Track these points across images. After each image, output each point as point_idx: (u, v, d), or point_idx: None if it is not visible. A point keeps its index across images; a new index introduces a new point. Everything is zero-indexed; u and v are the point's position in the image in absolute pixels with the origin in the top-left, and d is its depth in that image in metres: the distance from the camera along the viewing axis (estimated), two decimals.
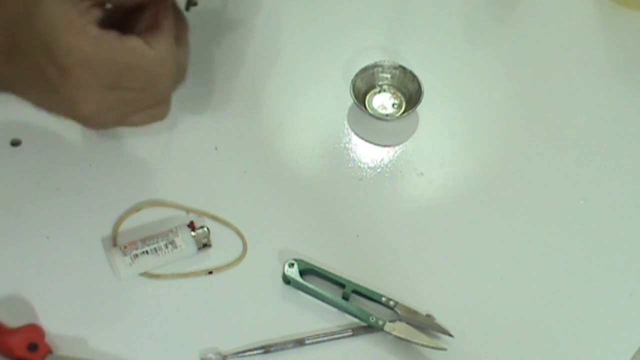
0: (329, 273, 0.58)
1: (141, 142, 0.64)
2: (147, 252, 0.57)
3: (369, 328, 0.57)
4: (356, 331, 0.57)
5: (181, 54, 0.54)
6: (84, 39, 0.47)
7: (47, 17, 0.47)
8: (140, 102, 0.52)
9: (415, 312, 0.57)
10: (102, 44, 0.48)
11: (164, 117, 0.55)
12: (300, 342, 0.56)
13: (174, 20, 0.53)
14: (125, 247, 0.57)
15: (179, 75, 0.54)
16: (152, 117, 0.55)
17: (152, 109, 0.54)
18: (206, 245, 0.59)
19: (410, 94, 0.67)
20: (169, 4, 0.53)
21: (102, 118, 0.51)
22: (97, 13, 0.49)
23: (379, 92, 0.68)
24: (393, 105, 0.68)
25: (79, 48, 0.47)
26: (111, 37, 0.49)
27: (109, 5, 0.51)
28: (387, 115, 0.67)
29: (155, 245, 0.57)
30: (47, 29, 0.47)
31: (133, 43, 0.49)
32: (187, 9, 0.57)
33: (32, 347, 0.53)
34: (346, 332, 0.57)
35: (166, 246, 0.58)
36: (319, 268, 0.58)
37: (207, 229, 0.59)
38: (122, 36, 0.49)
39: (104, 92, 0.49)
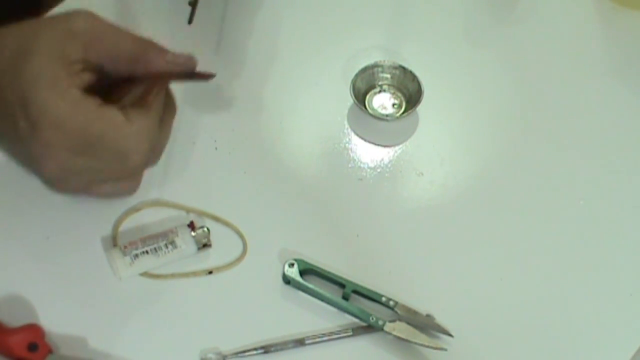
0: (329, 273, 0.58)
1: None
2: (147, 252, 0.57)
3: (369, 328, 0.57)
4: (356, 331, 0.57)
5: (161, 137, 0.53)
6: (62, 100, 0.46)
7: (34, 70, 0.46)
8: (107, 175, 0.51)
9: (415, 312, 0.57)
10: (79, 109, 0.47)
11: (131, 193, 0.55)
12: (300, 342, 0.56)
13: (164, 102, 0.53)
14: (125, 247, 0.57)
15: (152, 157, 0.53)
16: (119, 192, 0.54)
17: (119, 183, 0.53)
18: (206, 245, 0.59)
19: (410, 94, 0.67)
20: (165, 86, 0.52)
21: (65, 182, 0.51)
22: (87, 77, 0.48)
23: (379, 92, 0.68)
24: (393, 105, 0.68)
25: (54, 108, 0.46)
26: (91, 104, 0.48)
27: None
28: (387, 115, 0.67)
29: (155, 245, 0.57)
30: (30, 82, 0.46)
31: (111, 114, 0.48)
32: (190, 22, 0.56)
33: (32, 347, 0.53)
34: (346, 332, 0.57)
35: (166, 246, 0.58)
36: (319, 268, 0.58)
37: (207, 229, 0.59)
38: (102, 105, 0.48)
39: (71, 156, 0.48)
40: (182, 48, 0.54)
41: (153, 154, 0.53)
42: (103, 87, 0.50)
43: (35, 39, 0.47)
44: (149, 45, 0.51)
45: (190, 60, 0.53)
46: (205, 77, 0.54)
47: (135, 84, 0.52)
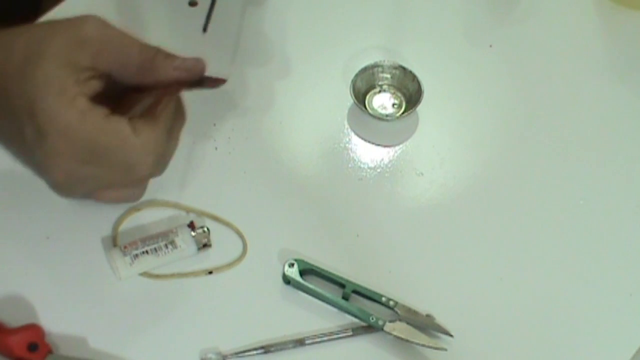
0: (329, 273, 0.58)
1: None
2: (147, 252, 0.57)
3: (369, 328, 0.57)
4: (356, 331, 0.57)
5: (168, 147, 0.53)
6: (70, 109, 0.46)
7: (42, 76, 0.46)
8: (112, 183, 0.51)
9: (415, 312, 0.57)
10: (86, 119, 0.47)
11: (136, 199, 0.55)
12: (300, 342, 0.56)
13: (173, 112, 0.52)
14: (125, 247, 0.57)
15: (158, 167, 0.53)
16: (123, 198, 0.54)
17: (124, 190, 0.53)
18: (206, 245, 0.59)
19: (410, 94, 0.67)
20: (174, 95, 0.52)
21: (70, 188, 0.51)
22: (95, 85, 0.48)
23: (379, 92, 0.68)
24: (393, 105, 0.68)
25: (61, 117, 0.46)
26: (98, 115, 0.47)
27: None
28: (387, 115, 0.67)
29: (155, 245, 0.57)
30: (38, 88, 0.46)
31: (118, 125, 0.48)
32: (204, 30, 0.55)
33: (32, 347, 0.53)
34: (346, 332, 0.57)
35: (166, 246, 0.58)
36: (319, 268, 0.58)
37: (207, 229, 0.59)
38: (110, 115, 0.48)
39: (77, 164, 0.48)
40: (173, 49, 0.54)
41: (159, 164, 0.52)
42: (113, 94, 0.50)
43: (44, 45, 0.47)
44: (157, 53, 0.51)
45: (199, 63, 0.52)
46: (216, 82, 0.54)
47: (146, 93, 0.52)
